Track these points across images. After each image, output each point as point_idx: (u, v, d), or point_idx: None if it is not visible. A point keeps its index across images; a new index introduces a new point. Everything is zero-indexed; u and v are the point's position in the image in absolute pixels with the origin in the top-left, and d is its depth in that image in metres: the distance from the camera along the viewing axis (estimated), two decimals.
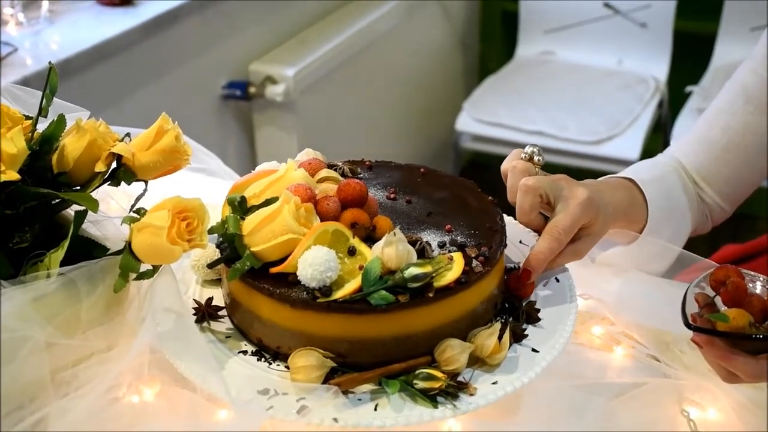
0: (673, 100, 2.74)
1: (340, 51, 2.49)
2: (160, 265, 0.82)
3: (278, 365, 0.82)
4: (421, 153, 3.05)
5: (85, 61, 1.82)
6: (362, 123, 2.76)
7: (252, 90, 2.31)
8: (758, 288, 0.85)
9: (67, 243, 0.79)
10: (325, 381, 0.79)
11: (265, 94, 2.30)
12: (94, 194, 0.84)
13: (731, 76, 1.16)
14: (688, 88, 2.64)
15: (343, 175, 0.94)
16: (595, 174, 2.71)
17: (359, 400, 0.78)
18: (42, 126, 0.87)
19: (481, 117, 2.69)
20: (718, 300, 0.84)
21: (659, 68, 2.79)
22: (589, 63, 2.90)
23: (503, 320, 0.86)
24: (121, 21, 1.94)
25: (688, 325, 0.81)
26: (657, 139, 2.79)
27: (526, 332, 0.85)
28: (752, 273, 0.86)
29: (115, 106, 1.94)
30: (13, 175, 0.78)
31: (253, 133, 2.42)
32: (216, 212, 0.87)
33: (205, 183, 1.24)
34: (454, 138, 2.79)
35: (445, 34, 3.14)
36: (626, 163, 2.55)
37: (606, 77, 2.83)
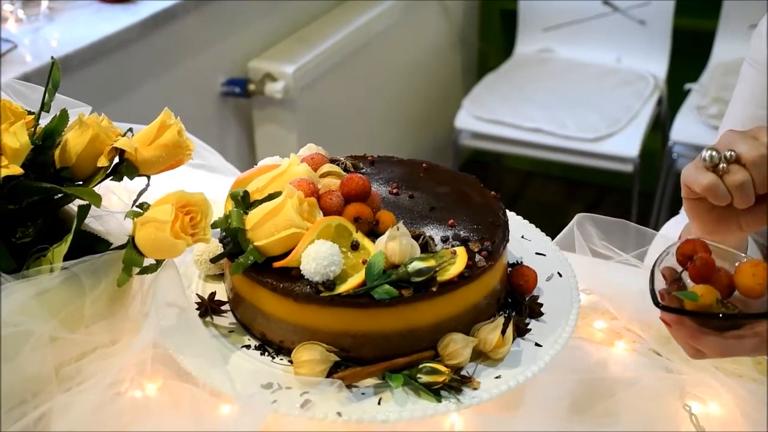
0: (672, 97, 2.75)
1: (339, 48, 2.49)
2: (164, 260, 0.82)
3: (281, 359, 0.82)
4: (420, 150, 3.05)
5: (84, 58, 1.82)
6: (361, 120, 2.76)
7: (251, 87, 2.30)
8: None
9: (70, 237, 0.79)
10: (329, 375, 0.79)
11: (264, 92, 2.30)
12: (95, 189, 0.84)
13: (727, 110, 1.14)
14: (687, 86, 2.64)
15: (345, 170, 0.94)
16: (595, 171, 2.72)
17: (363, 394, 0.78)
18: (44, 121, 0.87)
19: (481, 114, 2.69)
20: (685, 274, 0.82)
21: (658, 66, 2.79)
22: (588, 60, 2.90)
23: (506, 315, 0.86)
24: (120, 18, 1.94)
25: (656, 304, 0.78)
26: (656, 137, 2.79)
27: (529, 326, 0.85)
28: (716, 245, 0.84)
29: (113, 104, 1.93)
30: (16, 170, 0.78)
31: (252, 130, 2.42)
32: (217, 208, 0.87)
33: (207, 179, 1.24)
34: (453, 135, 2.79)
35: (444, 32, 3.14)
36: (625, 161, 2.57)
37: (605, 75, 2.83)
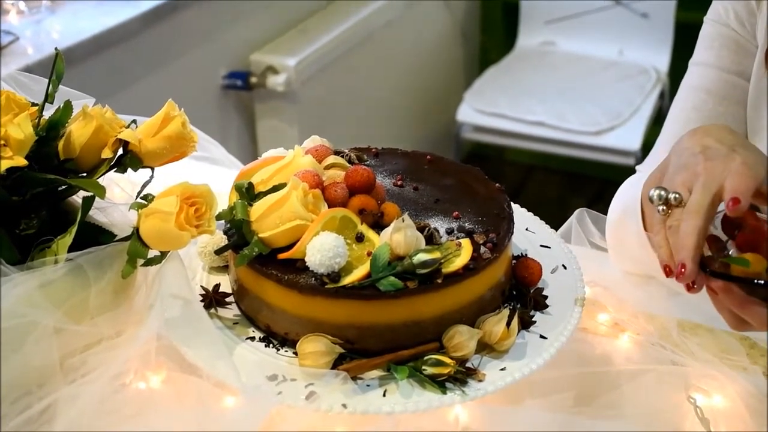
0: (675, 91, 2.73)
1: (341, 41, 2.48)
2: (168, 252, 0.82)
3: (286, 351, 0.82)
4: (421, 144, 3.05)
5: (85, 51, 1.82)
6: (363, 113, 2.76)
7: (253, 80, 2.30)
8: None
9: (74, 229, 0.79)
10: (334, 367, 0.79)
11: (266, 84, 2.30)
12: (99, 181, 0.84)
13: (675, 101, 1.14)
14: None
15: (349, 161, 0.94)
16: (596, 165, 2.71)
17: (368, 386, 0.78)
18: (47, 113, 0.87)
19: (482, 108, 2.68)
20: (730, 243, 0.80)
21: (660, 59, 2.79)
22: (590, 53, 2.89)
23: (511, 307, 0.86)
24: (121, 10, 1.93)
25: (704, 269, 0.76)
26: (658, 131, 2.77)
27: (534, 319, 0.85)
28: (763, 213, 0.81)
29: (115, 96, 1.93)
30: (20, 161, 0.77)
31: (254, 123, 2.41)
32: (221, 200, 0.86)
33: (209, 171, 1.24)
34: (455, 129, 2.79)
35: (445, 25, 3.14)
36: (627, 154, 2.56)
37: (607, 68, 2.82)
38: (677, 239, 0.78)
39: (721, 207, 0.81)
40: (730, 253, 0.80)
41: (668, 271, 0.79)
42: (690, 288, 0.79)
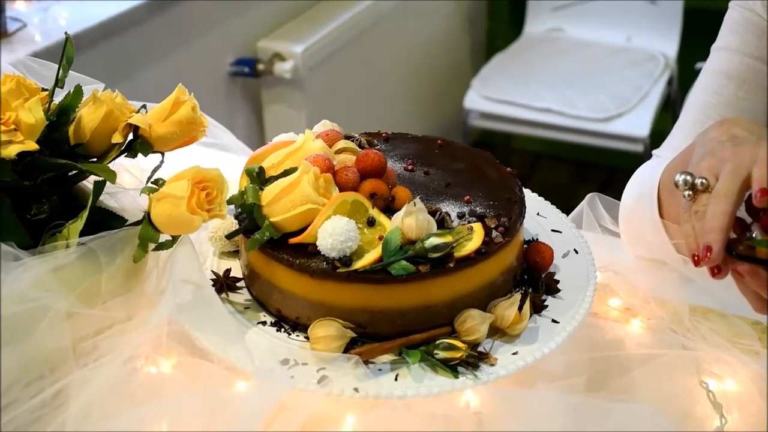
0: (683, 77, 2.73)
1: (348, 28, 2.47)
2: (179, 236, 0.82)
3: (298, 336, 0.82)
4: (429, 131, 3.03)
5: (93, 38, 1.82)
6: (370, 100, 2.75)
7: (260, 67, 2.30)
8: None
9: (86, 213, 0.79)
10: (346, 351, 0.79)
11: (273, 71, 2.30)
12: (110, 166, 0.84)
13: (695, 86, 1.13)
14: (698, 65, 2.61)
15: (360, 146, 0.93)
16: (605, 152, 2.70)
17: (380, 370, 0.78)
18: (58, 98, 0.87)
19: (490, 94, 2.67)
20: (755, 225, 0.79)
21: (669, 45, 2.77)
22: (597, 40, 2.88)
23: (523, 291, 0.86)
24: None
25: (730, 253, 0.76)
26: (666, 117, 2.77)
27: (545, 303, 0.85)
28: None
29: (122, 83, 1.92)
30: (31, 145, 0.77)
31: (261, 110, 2.41)
32: (231, 186, 0.86)
33: (219, 157, 1.24)
34: (462, 116, 2.78)
35: (452, 12, 3.12)
36: (635, 141, 2.56)
37: (615, 54, 2.81)
38: (703, 224, 0.77)
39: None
40: (754, 235, 0.79)
41: (697, 261, 0.79)
42: (715, 273, 0.78)
